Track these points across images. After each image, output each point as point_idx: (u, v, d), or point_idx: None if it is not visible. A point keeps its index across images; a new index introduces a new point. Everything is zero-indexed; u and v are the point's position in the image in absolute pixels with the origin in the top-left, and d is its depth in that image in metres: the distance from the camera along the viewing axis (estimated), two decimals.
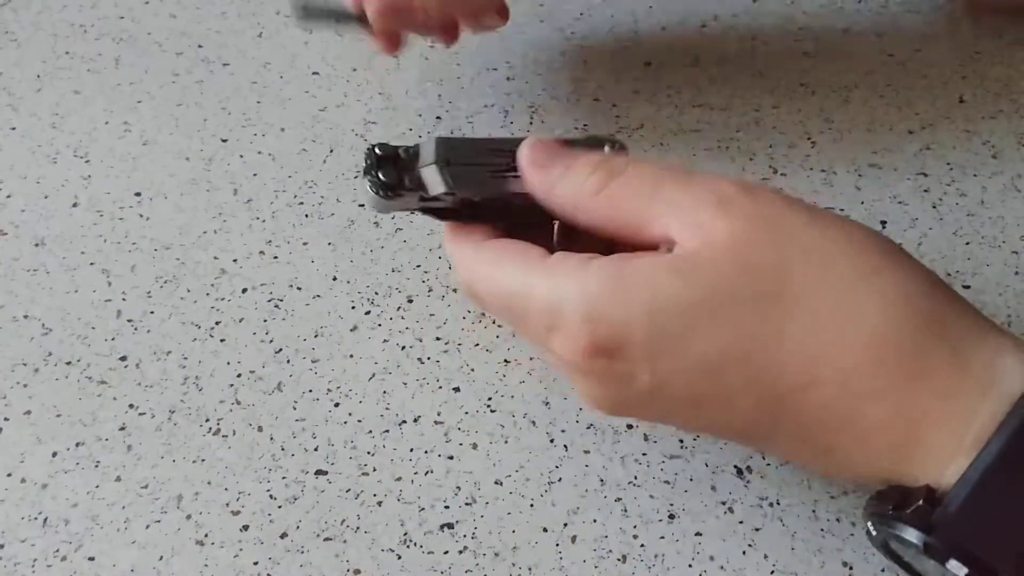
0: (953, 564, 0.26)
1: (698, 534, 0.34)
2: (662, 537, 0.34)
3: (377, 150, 0.34)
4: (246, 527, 0.35)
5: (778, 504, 0.35)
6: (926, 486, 0.27)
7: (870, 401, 0.27)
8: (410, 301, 0.42)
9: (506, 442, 0.37)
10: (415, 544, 0.34)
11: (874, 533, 0.29)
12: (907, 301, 0.27)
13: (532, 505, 0.35)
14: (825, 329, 0.27)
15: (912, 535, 0.27)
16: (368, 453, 0.37)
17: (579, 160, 0.32)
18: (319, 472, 0.36)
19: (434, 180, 0.33)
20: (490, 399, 0.38)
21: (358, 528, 0.35)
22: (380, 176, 0.33)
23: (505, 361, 0.40)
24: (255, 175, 0.48)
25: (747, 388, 0.28)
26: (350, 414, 0.38)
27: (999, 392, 0.26)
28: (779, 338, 0.27)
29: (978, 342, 0.27)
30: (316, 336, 0.41)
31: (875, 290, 0.28)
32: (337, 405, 0.38)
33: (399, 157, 0.34)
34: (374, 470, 0.36)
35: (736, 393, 0.28)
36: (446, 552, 0.34)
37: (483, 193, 0.33)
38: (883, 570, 0.33)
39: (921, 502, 0.27)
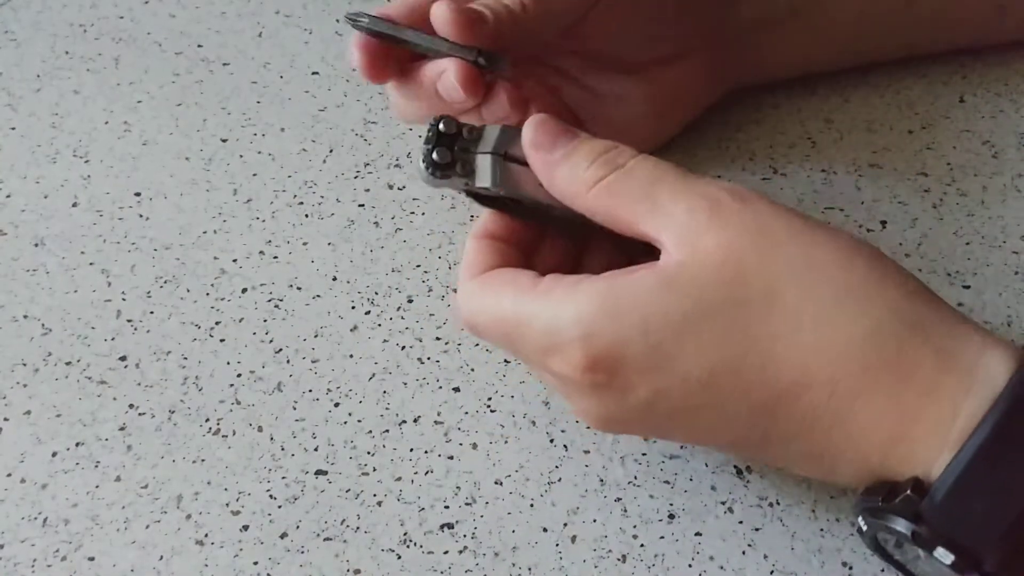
0: (940, 552, 0.27)
1: (698, 534, 0.34)
2: (662, 537, 0.34)
3: (441, 125, 0.34)
4: (246, 527, 0.35)
5: (778, 504, 0.35)
6: (914, 478, 0.28)
7: (859, 401, 0.28)
8: (410, 301, 0.42)
9: (506, 442, 0.37)
10: (415, 544, 0.34)
11: (864, 527, 0.29)
12: (892, 308, 0.28)
13: (532, 505, 0.35)
14: (814, 335, 0.28)
15: (900, 525, 0.27)
16: (368, 453, 0.37)
17: (581, 148, 0.32)
18: (319, 472, 0.36)
19: (484, 172, 0.34)
20: (490, 399, 0.38)
21: (358, 528, 0.35)
22: (434, 156, 0.33)
23: (505, 361, 0.40)
24: (255, 175, 0.48)
25: (741, 395, 0.29)
26: (350, 414, 0.38)
27: (981, 389, 0.27)
28: (771, 344, 0.28)
29: (961, 344, 0.28)
30: (316, 336, 0.41)
31: (861, 299, 0.28)
32: (337, 405, 0.38)
33: (460, 136, 0.34)
34: (374, 470, 0.36)
35: (730, 401, 0.29)
36: (446, 552, 0.34)
37: (526, 197, 0.34)
38: (882, 570, 0.33)
39: (909, 492, 0.27)
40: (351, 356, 0.40)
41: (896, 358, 0.28)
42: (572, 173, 0.32)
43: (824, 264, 0.29)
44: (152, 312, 0.42)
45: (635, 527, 0.35)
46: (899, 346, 0.28)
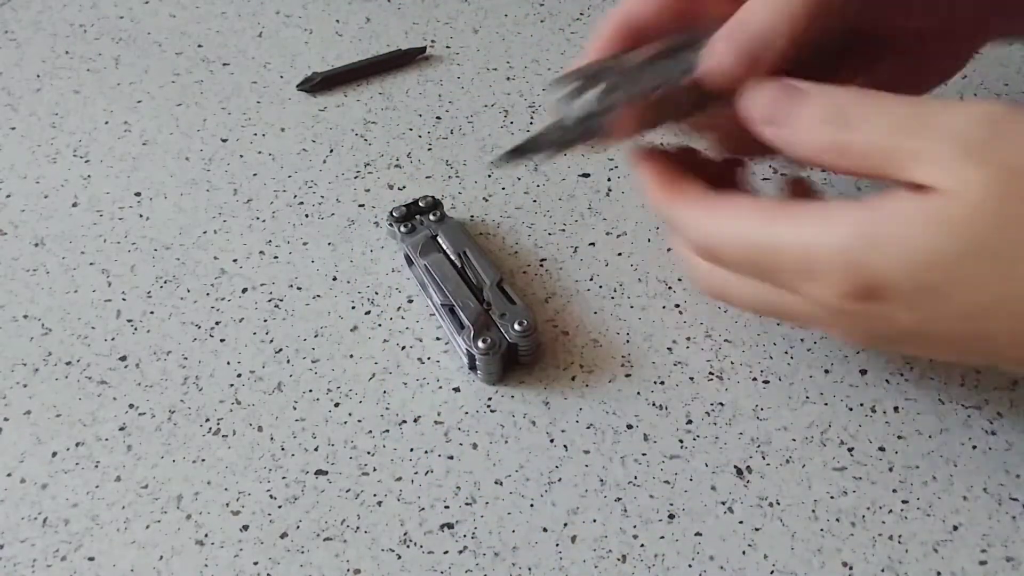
0: None
1: (698, 534, 0.34)
2: (662, 537, 0.34)
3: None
4: (246, 527, 0.35)
5: (778, 504, 0.35)
6: None
7: None
8: (410, 301, 0.42)
9: (506, 442, 0.37)
10: (415, 544, 0.34)
11: None
12: None
13: (532, 505, 0.35)
14: None
15: None
16: (368, 453, 0.37)
17: (810, 113, 0.31)
18: (319, 472, 0.36)
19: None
20: (490, 399, 0.38)
21: (358, 528, 0.35)
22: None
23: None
24: (255, 175, 0.48)
25: (1010, 328, 0.29)
26: (350, 414, 0.38)
27: None
28: None
29: None
30: (316, 336, 0.41)
31: None
32: (337, 405, 0.38)
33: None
34: (374, 470, 0.36)
35: (998, 333, 0.29)
36: (446, 552, 0.34)
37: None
38: (883, 570, 0.33)
39: None
40: (351, 356, 0.40)
41: None
42: (805, 142, 0.31)
43: None
44: (152, 312, 0.42)
45: (635, 527, 0.35)
46: None
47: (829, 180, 0.47)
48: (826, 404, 0.38)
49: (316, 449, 0.37)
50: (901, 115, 0.30)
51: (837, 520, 0.35)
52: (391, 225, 0.43)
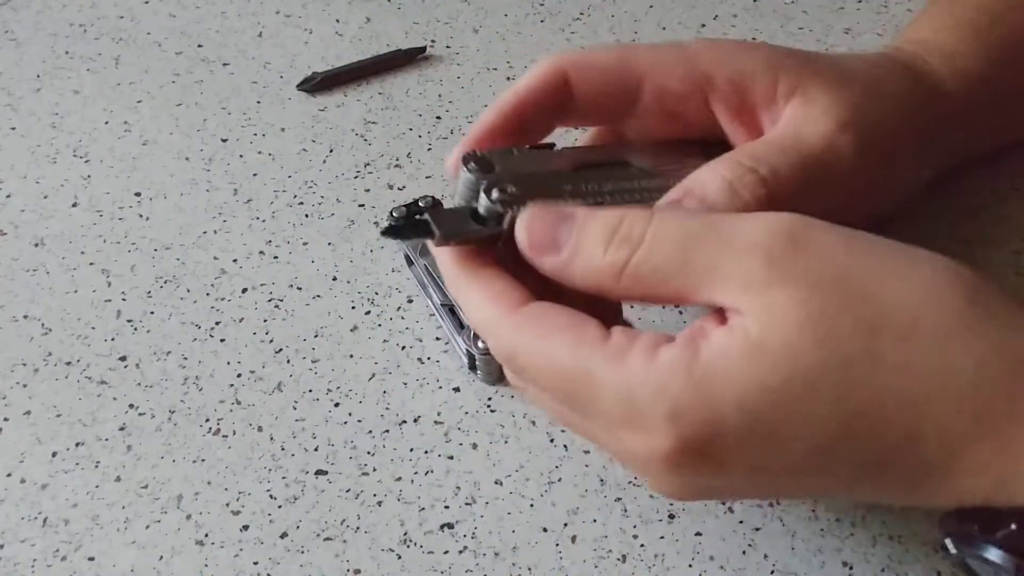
0: None
1: (698, 534, 0.34)
2: (662, 537, 0.34)
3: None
4: (246, 527, 0.35)
5: (778, 504, 0.35)
6: (1020, 510, 0.26)
7: (970, 447, 0.26)
8: (410, 301, 0.42)
9: (506, 442, 0.37)
10: (415, 544, 0.34)
11: (953, 551, 0.28)
12: (994, 347, 0.26)
13: (532, 505, 0.35)
14: (919, 388, 0.26)
15: (1000, 557, 0.26)
16: (368, 453, 0.37)
17: (589, 236, 0.28)
18: (319, 472, 0.36)
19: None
20: (490, 399, 0.38)
21: (358, 528, 0.35)
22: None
23: None
24: (255, 175, 0.48)
25: (849, 458, 0.27)
26: (350, 414, 0.38)
27: None
28: (877, 403, 0.26)
29: None
30: (316, 336, 0.41)
31: (962, 343, 0.26)
32: (337, 405, 0.38)
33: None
34: (374, 470, 0.36)
35: (837, 465, 0.27)
36: (446, 552, 0.34)
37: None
38: (883, 570, 0.33)
39: (1014, 527, 0.26)
40: (351, 356, 0.40)
41: (1004, 402, 0.26)
42: (589, 269, 0.28)
43: (917, 306, 0.26)
44: (152, 312, 0.42)
45: (635, 527, 0.35)
46: (1006, 389, 0.26)
47: None
48: None
49: (316, 449, 0.37)
50: (692, 228, 0.28)
51: (837, 520, 0.35)
52: None
